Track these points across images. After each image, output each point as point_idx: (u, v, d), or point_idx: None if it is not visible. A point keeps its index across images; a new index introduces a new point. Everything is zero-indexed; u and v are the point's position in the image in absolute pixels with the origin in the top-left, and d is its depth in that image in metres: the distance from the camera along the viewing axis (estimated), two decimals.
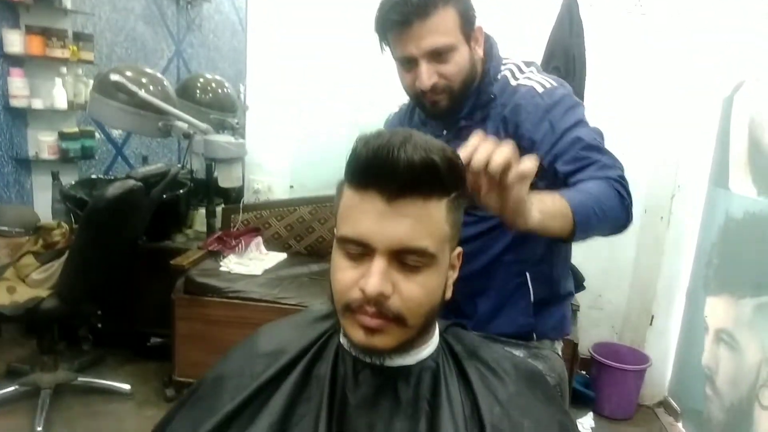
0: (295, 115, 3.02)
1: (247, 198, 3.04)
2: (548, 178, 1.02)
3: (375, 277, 0.66)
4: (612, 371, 2.61)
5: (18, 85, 3.05)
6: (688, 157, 2.58)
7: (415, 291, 0.69)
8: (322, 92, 2.96)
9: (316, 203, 2.92)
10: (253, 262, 2.65)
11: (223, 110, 3.11)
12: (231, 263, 2.58)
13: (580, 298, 2.68)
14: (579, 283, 2.70)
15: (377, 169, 0.66)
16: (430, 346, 0.79)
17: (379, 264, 0.67)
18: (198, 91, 3.12)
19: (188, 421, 0.81)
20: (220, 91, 3.22)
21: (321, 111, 2.99)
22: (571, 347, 2.27)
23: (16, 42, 3.00)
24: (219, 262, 2.59)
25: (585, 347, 2.70)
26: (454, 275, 0.77)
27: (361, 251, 0.69)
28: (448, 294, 0.76)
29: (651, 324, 2.72)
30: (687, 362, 2.58)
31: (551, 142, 1.04)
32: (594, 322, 2.95)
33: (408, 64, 1.07)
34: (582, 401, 2.65)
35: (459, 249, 0.77)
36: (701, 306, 2.45)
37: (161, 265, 2.51)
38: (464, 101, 1.13)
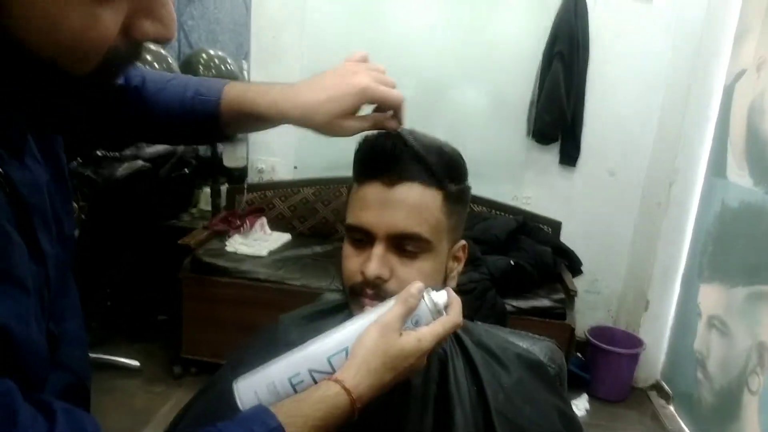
0: None
1: (251, 178, 3.07)
2: None
3: (373, 261, 0.72)
4: (607, 354, 2.68)
5: None
6: (687, 145, 2.61)
7: (411, 275, 0.72)
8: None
9: (320, 184, 2.95)
10: (257, 242, 2.69)
11: None
12: (236, 243, 2.63)
13: (577, 282, 2.74)
14: (576, 268, 2.78)
15: (377, 158, 0.73)
16: None
17: (377, 249, 0.72)
18: (201, 68, 3.11)
19: (209, 410, 0.82)
20: (223, 68, 3.21)
21: None
22: (569, 331, 2.34)
23: None
24: (224, 242, 2.64)
25: (581, 330, 2.77)
26: (458, 267, 0.82)
27: (365, 239, 0.74)
28: (452, 284, 0.80)
29: (646, 310, 2.78)
30: (680, 347, 2.65)
31: None
32: (590, 306, 3.02)
33: None
34: (577, 383, 2.71)
35: (463, 242, 0.81)
36: (695, 293, 2.51)
37: (167, 244, 2.55)
38: None
